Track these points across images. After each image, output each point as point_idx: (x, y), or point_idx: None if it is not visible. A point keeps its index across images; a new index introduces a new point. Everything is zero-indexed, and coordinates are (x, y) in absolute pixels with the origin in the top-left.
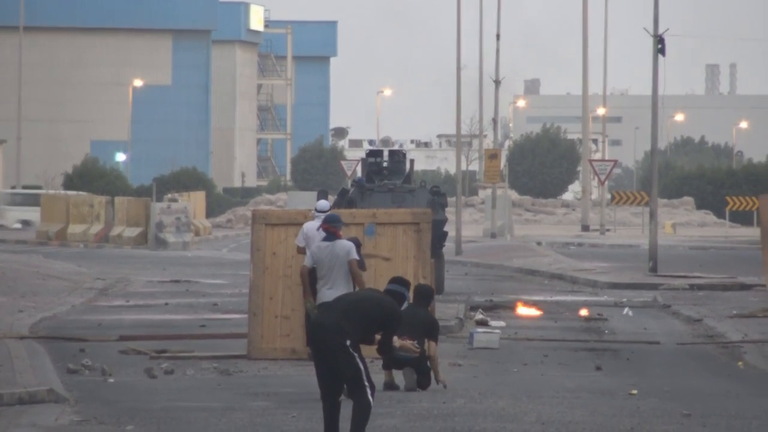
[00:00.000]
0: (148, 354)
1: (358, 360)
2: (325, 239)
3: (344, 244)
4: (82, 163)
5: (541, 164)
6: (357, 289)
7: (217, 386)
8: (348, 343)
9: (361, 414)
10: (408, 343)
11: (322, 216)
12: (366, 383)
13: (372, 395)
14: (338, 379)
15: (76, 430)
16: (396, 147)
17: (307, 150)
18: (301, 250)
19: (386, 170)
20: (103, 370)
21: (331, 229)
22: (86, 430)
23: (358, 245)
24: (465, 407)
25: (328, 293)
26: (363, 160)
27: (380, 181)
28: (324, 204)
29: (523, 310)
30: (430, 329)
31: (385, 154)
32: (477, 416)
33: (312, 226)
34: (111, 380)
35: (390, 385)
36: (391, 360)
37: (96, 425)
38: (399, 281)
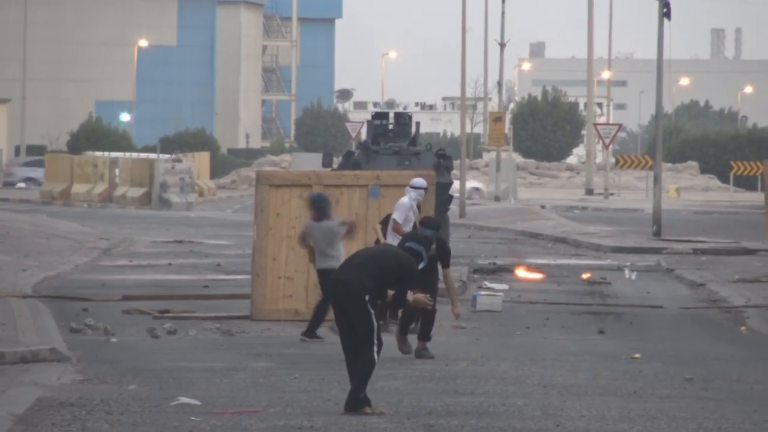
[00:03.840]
0: (150, 314)
1: (373, 317)
2: (315, 219)
3: (329, 225)
4: (86, 122)
5: (543, 128)
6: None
7: (219, 347)
8: (367, 298)
9: (365, 369)
10: (421, 296)
11: (418, 192)
12: (375, 341)
13: (378, 353)
14: (357, 333)
15: (78, 389)
16: (401, 109)
17: (308, 112)
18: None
19: (392, 133)
20: (105, 329)
21: (319, 209)
22: (88, 389)
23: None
24: (467, 370)
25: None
26: (368, 123)
27: (386, 144)
28: (419, 181)
29: (526, 273)
30: (442, 255)
31: (391, 116)
32: (479, 379)
33: (406, 202)
34: (113, 340)
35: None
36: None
37: (98, 384)
38: (421, 234)
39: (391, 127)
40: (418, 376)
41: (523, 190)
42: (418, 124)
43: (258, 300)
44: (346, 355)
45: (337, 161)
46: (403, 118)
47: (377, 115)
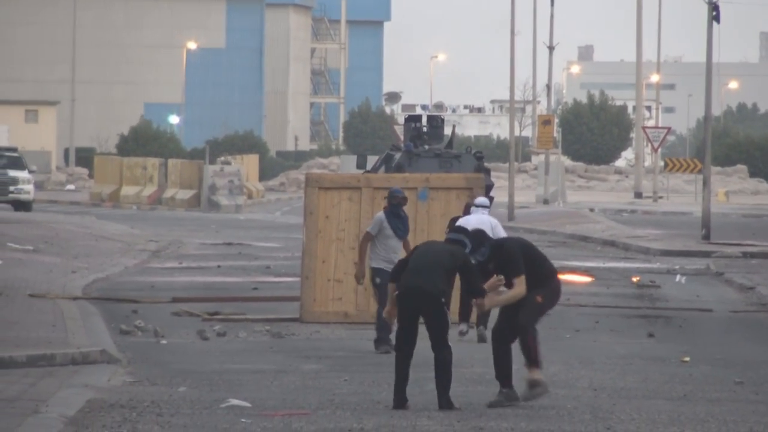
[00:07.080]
0: (200, 316)
1: (448, 317)
2: (397, 212)
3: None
4: (137, 125)
5: (589, 131)
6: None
7: (269, 349)
8: (443, 300)
9: (447, 367)
10: (493, 278)
11: (482, 210)
12: (447, 338)
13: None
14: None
15: (128, 390)
16: (449, 112)
17: (356, 114)
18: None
19: (426, 135)
20: (155, 331)
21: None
22: (139, 390)
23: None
24: (517, 373)
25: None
26: (405, 125)
27: (421, 146)
28: (483, 200)
29: (575, 277)
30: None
31: (424, 119)
32: None
33: (471, 221)
34: (163, 342)
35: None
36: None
37: (148, 386)
38: (457, 229)
39: (424, 129)
40: (468, 378)
41: (572, 193)
42: (453, 127)
43: (307, 302)
44: (399, 353)
45: (371, 161)
46: (436, 121)
47: (410, 118)
